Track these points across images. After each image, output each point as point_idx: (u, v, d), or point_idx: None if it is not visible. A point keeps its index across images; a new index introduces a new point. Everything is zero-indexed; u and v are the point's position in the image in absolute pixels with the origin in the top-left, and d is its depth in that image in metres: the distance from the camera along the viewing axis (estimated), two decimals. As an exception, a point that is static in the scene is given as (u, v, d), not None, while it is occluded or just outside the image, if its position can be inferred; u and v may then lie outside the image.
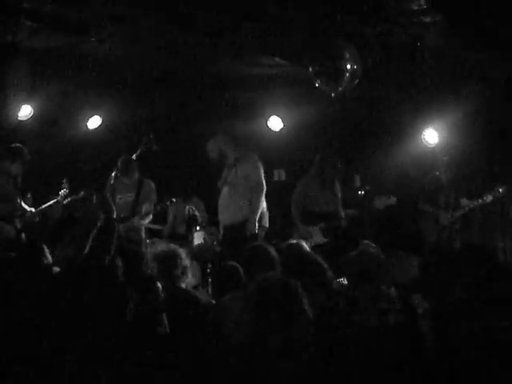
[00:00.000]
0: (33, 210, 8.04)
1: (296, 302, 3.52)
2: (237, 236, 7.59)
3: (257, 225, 7.66)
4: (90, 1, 6.14)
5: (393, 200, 8.16)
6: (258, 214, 7.69)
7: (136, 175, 8.27)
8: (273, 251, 5.27)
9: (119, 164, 8.17)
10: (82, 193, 7.96)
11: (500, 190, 7.97)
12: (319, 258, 5.41)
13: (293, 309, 3.49)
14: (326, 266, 5.34)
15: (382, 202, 8.16)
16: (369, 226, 9.01)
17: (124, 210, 8.08)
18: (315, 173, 8.37)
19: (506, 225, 8.85)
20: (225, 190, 7.99)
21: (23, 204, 8.00)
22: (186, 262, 5.39)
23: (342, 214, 8.31)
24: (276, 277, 3.73)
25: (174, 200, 8.42)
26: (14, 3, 6.26)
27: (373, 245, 6.06)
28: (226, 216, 7.90)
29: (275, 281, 3.62)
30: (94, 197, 7.67)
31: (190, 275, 5.48)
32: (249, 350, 3.43)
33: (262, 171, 7.85)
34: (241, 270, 5.34)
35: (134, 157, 8.22)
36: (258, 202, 7.68)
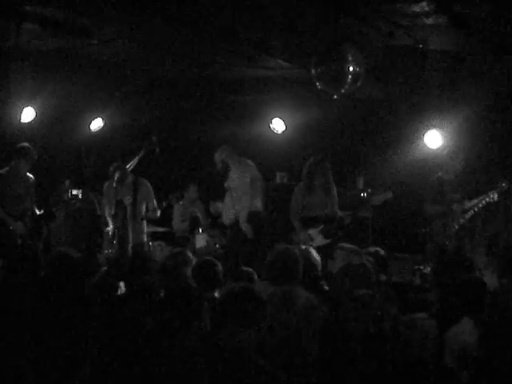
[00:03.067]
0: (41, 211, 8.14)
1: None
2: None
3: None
4: (93, 3, 6.14)
5: (389, 194, 8.17)
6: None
7: (130, 178, 8.30)
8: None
9: (111, 172, 8.20)
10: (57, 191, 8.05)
11: (504, 185, 7.95)
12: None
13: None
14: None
15: (379, 198, 8.18)
16: (372, 226, 9.03)
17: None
18: (306, 179, 8.37)
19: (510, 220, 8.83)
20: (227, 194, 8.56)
21: (34, 208, 8.07)
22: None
23: (340, 214, 8.33)
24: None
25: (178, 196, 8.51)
26: (16, 6, 6.26)
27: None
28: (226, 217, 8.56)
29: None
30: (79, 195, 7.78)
31: None
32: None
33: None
34: (220, 267, 5.30)
35: (136, 159, 8.22)
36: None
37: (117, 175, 8.04)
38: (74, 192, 8.08)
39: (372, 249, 6.42)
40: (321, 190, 8.31)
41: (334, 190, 8.44)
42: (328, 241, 8.03)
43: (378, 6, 6.15)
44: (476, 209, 8.12)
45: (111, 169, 8.25)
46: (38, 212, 8.06)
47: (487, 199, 8.01)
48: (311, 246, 7.93)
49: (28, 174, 8.05)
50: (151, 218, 8.54)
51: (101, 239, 8.07)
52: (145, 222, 8.45)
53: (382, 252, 6.32)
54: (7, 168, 7.91)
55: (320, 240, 8.12)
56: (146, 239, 8.44)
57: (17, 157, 7.89)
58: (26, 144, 7.97)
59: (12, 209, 7.80)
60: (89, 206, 8.46)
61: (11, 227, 7.71)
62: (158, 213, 8.55)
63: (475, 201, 8.07)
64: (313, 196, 8.30)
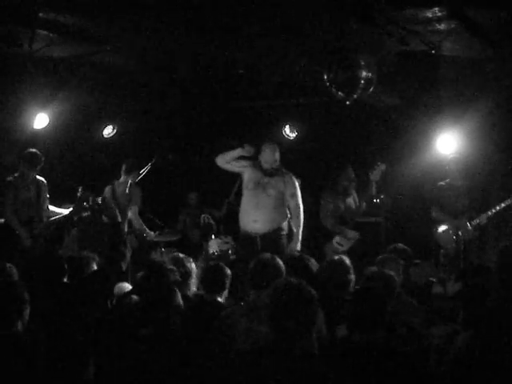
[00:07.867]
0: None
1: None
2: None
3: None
4: (106, 11, 6.16)
5: (383, 166, 8.14)
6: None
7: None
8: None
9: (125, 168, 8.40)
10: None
11: None
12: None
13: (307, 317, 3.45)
14: None
15: (376, 174, 8.15)
16: (385, 232, 9.02)
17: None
18: (330, 185, 8.42)
19: None
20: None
21: (51, 208, 8.07)
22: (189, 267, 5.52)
23: (359, 220, 8.37)
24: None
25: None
26: (30, 13, 6.29)
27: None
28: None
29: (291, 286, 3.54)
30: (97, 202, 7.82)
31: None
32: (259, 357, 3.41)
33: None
34: (227, 270, 5.32)
35: (149, 166, 8.27)
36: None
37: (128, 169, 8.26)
38: (95, 199, 8.08)
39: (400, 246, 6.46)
40: (343, 196, 8.37)
41: (355, 197, 8.49)
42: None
43: (390, 12, 6.14)
44: (486, 216, 8.10)
45: (124, 167, 8.41)
46: (45, 219, 8.03)
47: (498, 208, 7.99)
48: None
49: (38, 177, 8.01)
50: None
51: (123, 247, 8.12)
52: (126, 226, 8.56)
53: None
54: (16, 174, 7.90)
55: (348, 244, 8.20)
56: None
57: (22, 163, 7.86)
58: (31, 150, 7.92)
59: (20, 214, 7.81)
60: (110, 213, 8.48)
61: (17, 232, 7.71)
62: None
63: (484, 215, 8.08)
64: (336, 201, 8.35)
